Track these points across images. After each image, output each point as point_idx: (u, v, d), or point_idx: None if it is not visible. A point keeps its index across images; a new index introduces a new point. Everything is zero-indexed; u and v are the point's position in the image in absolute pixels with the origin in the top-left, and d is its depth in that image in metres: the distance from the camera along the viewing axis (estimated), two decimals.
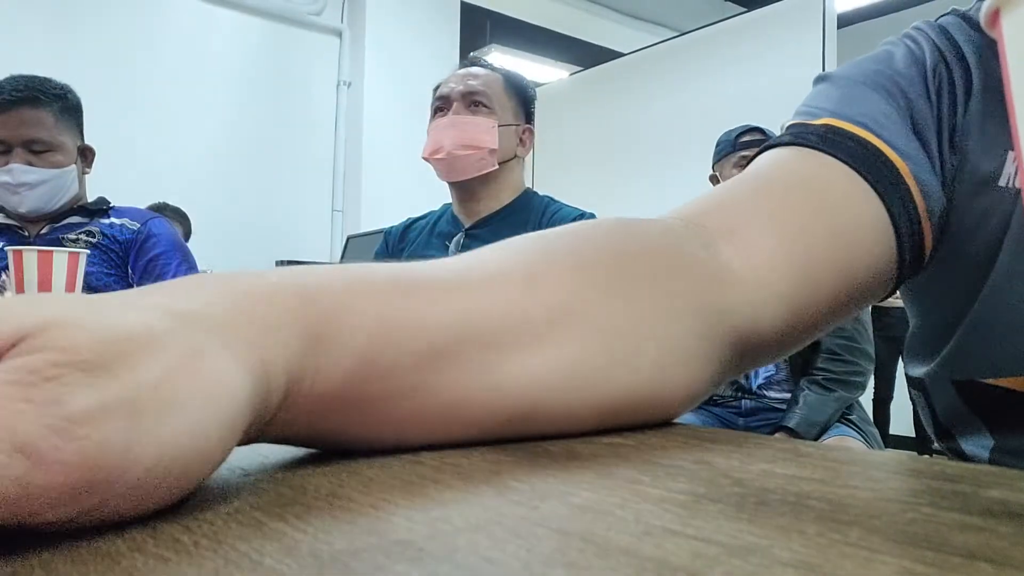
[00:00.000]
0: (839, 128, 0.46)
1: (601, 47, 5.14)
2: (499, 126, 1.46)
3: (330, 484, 0.22)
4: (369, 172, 3.92)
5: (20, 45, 3.05)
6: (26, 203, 1.46)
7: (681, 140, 3.36)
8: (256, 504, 0.19)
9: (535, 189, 1.57)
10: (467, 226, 1.49)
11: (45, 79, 1.51)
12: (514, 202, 1.50)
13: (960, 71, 0.48)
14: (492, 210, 1.49)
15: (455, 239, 1.48)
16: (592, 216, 1.46)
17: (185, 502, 0.20)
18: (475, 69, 1.52)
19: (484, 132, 1.45)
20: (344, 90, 4.01)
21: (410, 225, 1.61)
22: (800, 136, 0.46)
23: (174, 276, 1.48)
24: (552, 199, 1.52)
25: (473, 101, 1.47)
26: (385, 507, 0.19)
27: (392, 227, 1.63)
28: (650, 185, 3.47)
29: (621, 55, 4.01)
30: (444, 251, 1.48)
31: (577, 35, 5.14)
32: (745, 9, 3.63)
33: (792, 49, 3.11)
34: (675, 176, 3.25)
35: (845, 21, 4.32)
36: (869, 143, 0.45)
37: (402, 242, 1.58)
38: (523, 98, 1.54)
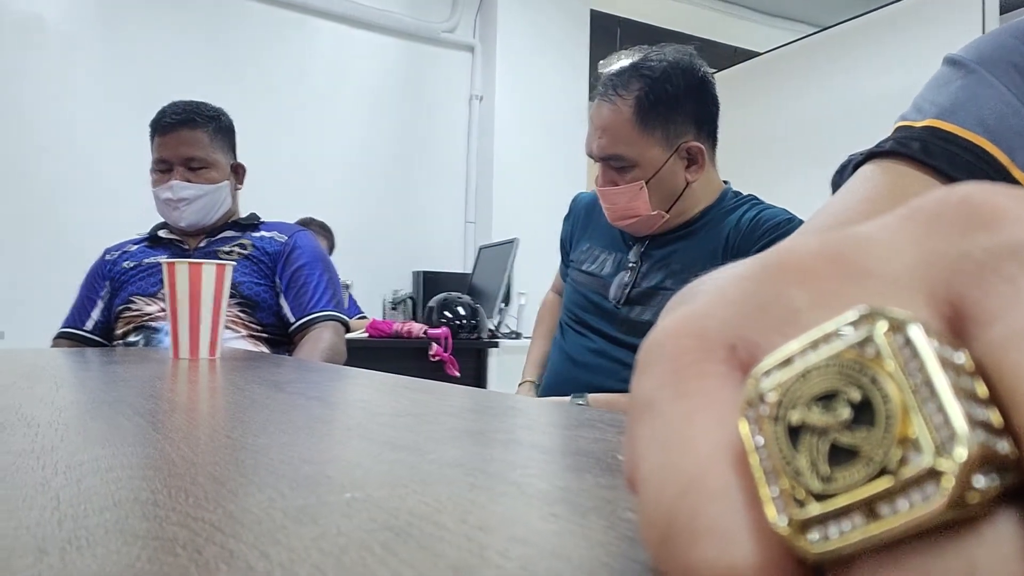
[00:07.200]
0: (945, 132, 0.42)
1: (735, 47, 4.97)
2: (647, 181, 1.26)
3: (427, 508, 0.20)
4: (500, 184, 3.97)
5: (188, 76, 3.32)
6: (185, 217, 1.58)
7: (823, 142, 3.18)
8: (343, 528, 0.18)
9: None
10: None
11: (201, 103, 1.64)
12: (707, 210, 1.33)
13: None
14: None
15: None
16: (802, 223, 1.30)
17: (273, 521, 0.19)
18: (604, 112, 1.28)
19: (633, 200, 1.27)
20: (476, 104, 4.09)
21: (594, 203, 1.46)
22: (902, 143, 0.43)
23: (316, 286, 1.56)
24: (756, 201, 1.33)
25: (613, 167, 1.28)
26: (480, 539, 0.17)
27: (579, 195, 1.55)
28: (789, 191, 3.30)
29: (757, 55, 3.86)
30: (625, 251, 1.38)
31: (710, 36, 4.99)
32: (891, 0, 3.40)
33: (947, 41, 2.85)
34: (817, 181, 3.08)
35: (1008, 7, 3.95)
36: (976, 147, 0.41)
37: (588, 217, 1.49)
38: (668, 116, 1.27)
